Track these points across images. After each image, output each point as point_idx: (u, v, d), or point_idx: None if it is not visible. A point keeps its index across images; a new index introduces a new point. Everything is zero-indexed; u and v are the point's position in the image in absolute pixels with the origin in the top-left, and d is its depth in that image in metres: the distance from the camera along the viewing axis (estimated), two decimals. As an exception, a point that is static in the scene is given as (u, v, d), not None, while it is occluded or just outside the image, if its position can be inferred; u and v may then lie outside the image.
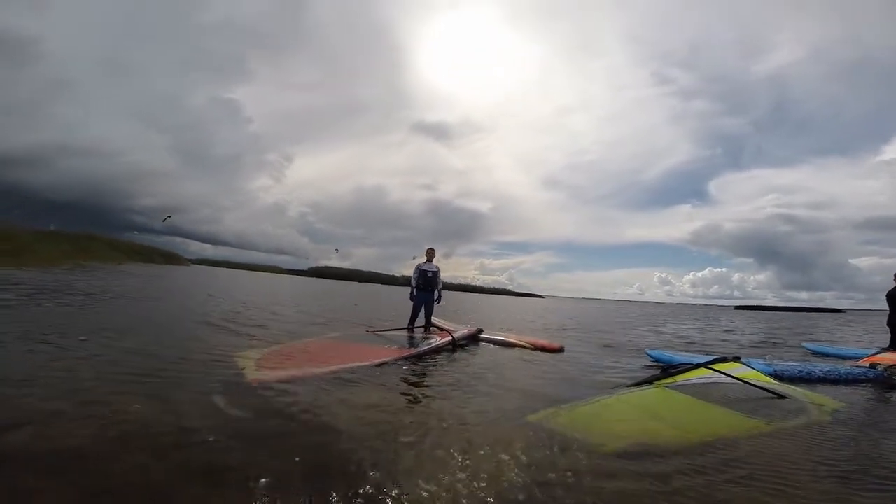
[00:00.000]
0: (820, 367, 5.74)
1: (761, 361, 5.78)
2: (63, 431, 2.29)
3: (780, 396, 4.03)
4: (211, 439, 2.33)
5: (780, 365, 5.71)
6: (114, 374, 3.42)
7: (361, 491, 1.89)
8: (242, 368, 3.93)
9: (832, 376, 5.42)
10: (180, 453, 2.15)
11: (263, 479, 1.93)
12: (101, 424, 2.41)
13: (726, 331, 15.10)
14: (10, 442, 2.12)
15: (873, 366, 5.80)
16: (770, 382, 4.44)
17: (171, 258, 44.76)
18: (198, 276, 27.97)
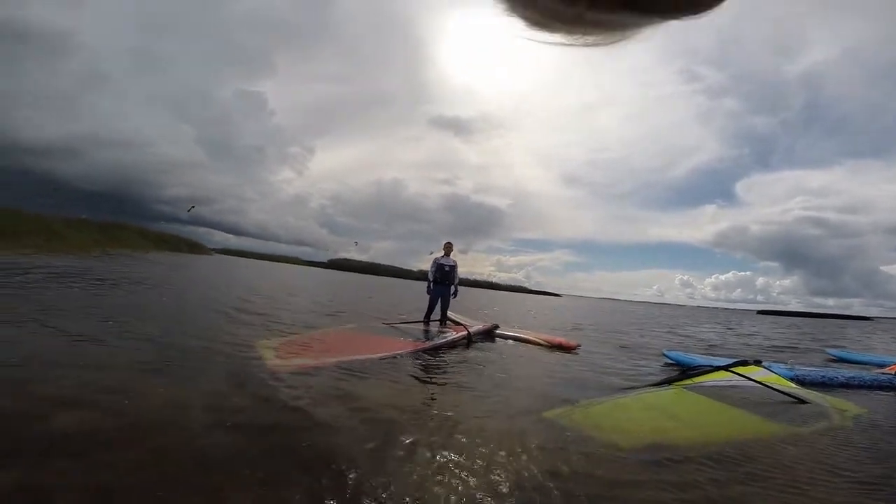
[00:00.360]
0: (843, 372, 5.60)
1: (783, 366, 5.68)
2: (84, 416, 2.31)
3: (801, 401, 3.96)
4: (230, 426, 2.38)
5: (802, 369, 5.60)
6: (135, 360, 3.50)
7: (375, 483, 1.92)
8: (261, 357, 4.02)
9: (855, 382, 5.29)
10: (198, 440, 2.18)
11: (278, 469, 1.98)
12: (122, 410, 2.44)
13: (747, 335, 14.77)
14: (33, 425, 2.16)
15: None
16: (791, 387, 4.35)
17: (196, 247, 45.69)
18: (220, 266, 28.55)
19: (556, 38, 0.34)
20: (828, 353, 9.04)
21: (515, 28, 0.34)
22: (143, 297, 8.04)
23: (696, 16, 0.27)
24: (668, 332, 13.62)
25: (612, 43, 0.34)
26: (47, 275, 9.12)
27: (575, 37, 0.33)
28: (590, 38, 0.34)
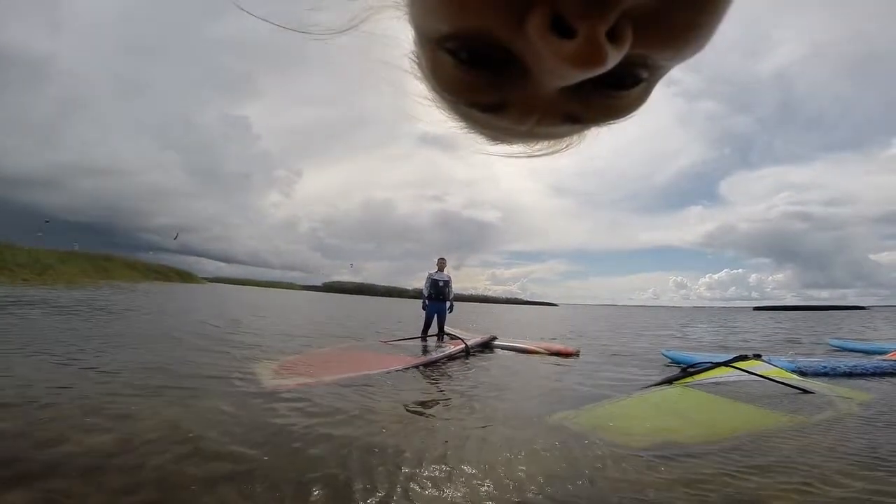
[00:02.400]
0: (845, 361, 5.58)
1: (783, 358, 5.65)
2: (91, 440, 2.32)
3: (806, 392, 3.92)
4: (231, 447, 2.33)
5: (804, 361, 5.58)
6: (134, 385, 3.46)
7: (381, 497, 1.88)
8: (260, 377, 3.96)
9: (858, 371, 5.26)
10: (199, 460, 2.16)
11: (281, 487, 1.92)
12: (127, 433, 2.44)
13: (747, 332, 14.79)
14: (39, 448, 2.16)
15: None
16: (794, 378, 4.33)
17: (187, 277, 45.44)
18: (213, 295, 28.30)
19: (515, 149, 0.39)
20: (830, 344, 9.07)
21: (477, 143, 0.38)
22: (138, 325, 7.91)
23: (625, 119, 0.32)
24: (667, 334, 13.59)
25: (563, 148, 0.40)
26: (43, 306, 9.00)
27: (531, 146, 0.39)
28: (544, 146, 0.39)
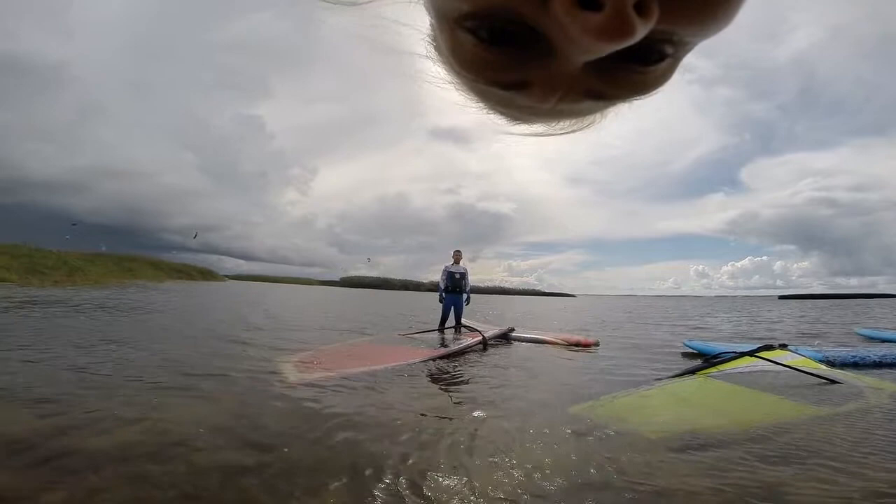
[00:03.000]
0: (875, 351, 5.42)
1: (810, 348, 5.51)
2: (120, 433, 2.40)
3: (833, 381, 3.82)
4: (255, 440, 2.39)
5: (831, 351, 5.43)
6: (160, 381, 3.56)
7: (406, 487, 1.90)
8: (281, 372, 4.04)
9: (889, 360, 5.10)
10: (227, 454, 2.21)
11: (300, 480, 1.97)
12: (154, 426, 2.52)
13: (772, 321, 14.45)
14: (74, 445, 2.23)
15: None
16: (821, 368, 4.22)
17: (208, 275, 46.40)
18: (234, 291, 28.86)
19: (537, 129, 0.38)
20: (859, 333, 8.78)
21: (497, 124, 0.37)
22: (163, 323, 8.12)
23: (650, 95, 0.32)
24: (688, 325, 13.36)
25: (585, 126, 0.39)
26: (71, 306, 9.30)
27: (553, 126, 0.38)
28: (566, 126, 0.38)
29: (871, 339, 8.11)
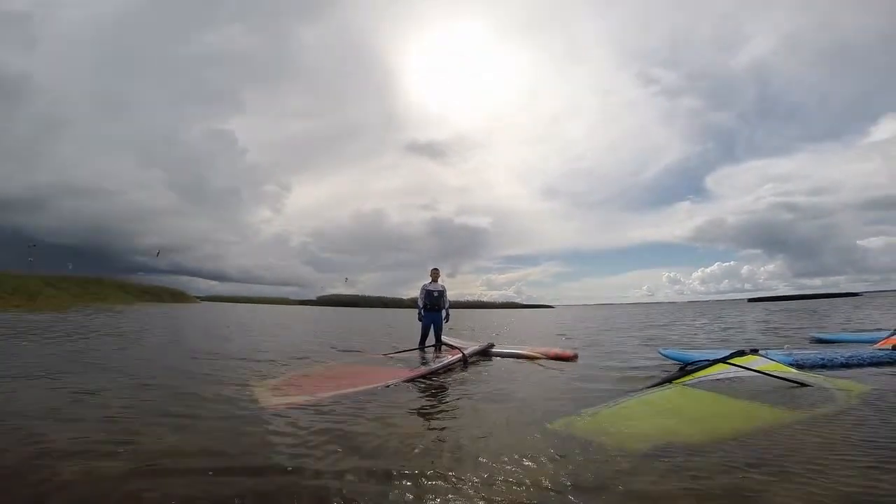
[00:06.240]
0: (841, 353, 5.62)
1: (780, 352, 5.68)
2: (101, 465, 2.33)
3: (804, 385, 3.94)
4: (231, 468, 2.32)
5: (800, 354, 5.61)
6: (134, 409, 3.44)
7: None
8: (257, 397, 3.93)
9: (855, 361, 5.31)
10: (202, 484, 2.15)
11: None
12: (134, 458, 2.44)
13: (741, 325, 14.85)
14: (43, 476, 2.15)
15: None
16: (791, 372, 4.35)
17: (179, 296, 45.00)
18: (208, 313, 28.04)
19: None
20: (814, 337, 8.93)
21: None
22: (133, 348, 7.80)
23: None
24: (662, 330, 13.62)
25: None
26: (36, 333, 8.86)
27: None
28: None
29: (827, 342, 8.22)
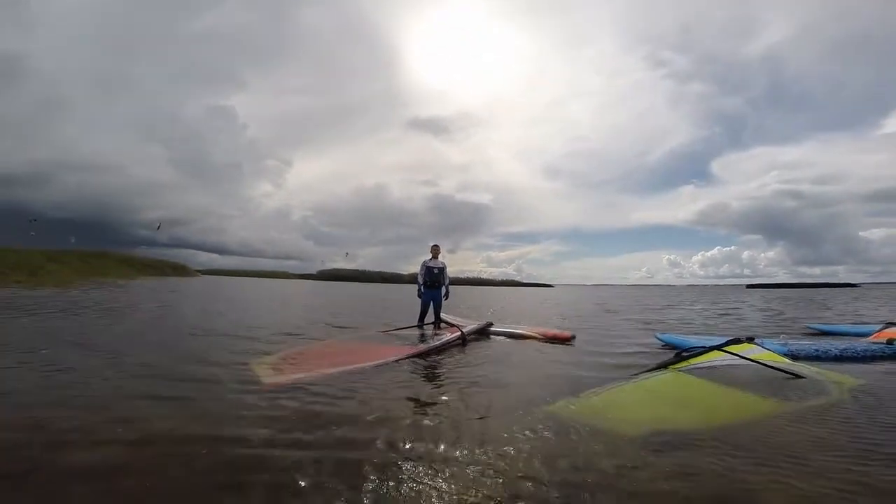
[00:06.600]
0: (836, 345, 5.64)
1: (776, 341, 5.71)
2: (99, 445, 2.36)
3: (798, 376, 3.97)
4: (232, 447, 2.36)
5: (796, 344, 5.64)
6: (137, 387, 3.48)
7: (383, 492, 1.91)
8: (258, 374, 3.97)
9: (849, 354, 5.33)
10: (202, 463, 2.19)
11: (285, 486, 1.96)
12: (133, 437, 2.47)
13: (740, 311, 14.91)
14: (45, 457, 2.19)
15: (890, 342, 5.68)
16: (786, 362, 4.38)
17: (181, 270, 45.12)
18: (208, 287, 28.18)
19: None
20: (811, 328, 8.99)
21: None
22: (133, 324, 7.89)
23: None
24: (659, 314, 13.67)
25: None
26: (40, 308, 8.95)
27: None
28: None
29: (823, 332, 8.23)
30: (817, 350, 5.38)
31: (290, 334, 7.03)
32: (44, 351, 4.77)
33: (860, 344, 5.76)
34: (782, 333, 7.76)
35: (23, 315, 8.27)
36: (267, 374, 3.95)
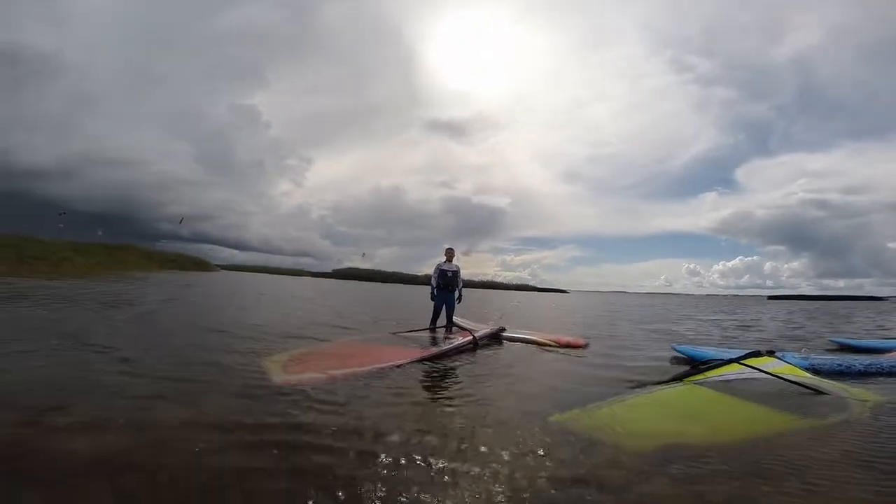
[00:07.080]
0: (860, 360, 5.46)
1: (797, 355, 5.55)
2: (110, 438, 2.39)
3: (819, 392, 3.85)
4: (241, 445, 2.38)
5: (818, 359, 5.47)
6: (147, 383, 3.52)
7: (379, 497, 1.90)
8: (269, 372, 4.00)
9: (874, 370, 5.15)
10: (211, 460, 2.20)
11: (290, 487, 1.96)
12: (143, 431, 2.51)
13: (759, 323, 14.56)
14: (54, 449, 2.21)
15: None
16: (807, 377, 4.25)
17: (201, 265, 46.07)
18: (227, 282, 28.65)
19: None
20: (833, 342, 8.69)
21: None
22: (151, 318, 8.04)
23: None
24: (677, 323, 13.43)
25: None
26: (58, 300, 9.19)
27: None
28: None
29: (845, 347, 7.97)
30: (840, 365, 5.21)
31: (303, 333, 7.07)
32: (53, 342, 4.88)
33: (886, 359, 5.56)
34: (804, 347, 7.54)
35: (36, 306, 8.47)
36: (279, 373, 3.98)
